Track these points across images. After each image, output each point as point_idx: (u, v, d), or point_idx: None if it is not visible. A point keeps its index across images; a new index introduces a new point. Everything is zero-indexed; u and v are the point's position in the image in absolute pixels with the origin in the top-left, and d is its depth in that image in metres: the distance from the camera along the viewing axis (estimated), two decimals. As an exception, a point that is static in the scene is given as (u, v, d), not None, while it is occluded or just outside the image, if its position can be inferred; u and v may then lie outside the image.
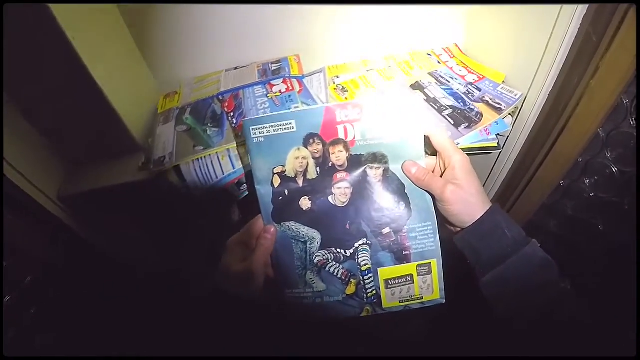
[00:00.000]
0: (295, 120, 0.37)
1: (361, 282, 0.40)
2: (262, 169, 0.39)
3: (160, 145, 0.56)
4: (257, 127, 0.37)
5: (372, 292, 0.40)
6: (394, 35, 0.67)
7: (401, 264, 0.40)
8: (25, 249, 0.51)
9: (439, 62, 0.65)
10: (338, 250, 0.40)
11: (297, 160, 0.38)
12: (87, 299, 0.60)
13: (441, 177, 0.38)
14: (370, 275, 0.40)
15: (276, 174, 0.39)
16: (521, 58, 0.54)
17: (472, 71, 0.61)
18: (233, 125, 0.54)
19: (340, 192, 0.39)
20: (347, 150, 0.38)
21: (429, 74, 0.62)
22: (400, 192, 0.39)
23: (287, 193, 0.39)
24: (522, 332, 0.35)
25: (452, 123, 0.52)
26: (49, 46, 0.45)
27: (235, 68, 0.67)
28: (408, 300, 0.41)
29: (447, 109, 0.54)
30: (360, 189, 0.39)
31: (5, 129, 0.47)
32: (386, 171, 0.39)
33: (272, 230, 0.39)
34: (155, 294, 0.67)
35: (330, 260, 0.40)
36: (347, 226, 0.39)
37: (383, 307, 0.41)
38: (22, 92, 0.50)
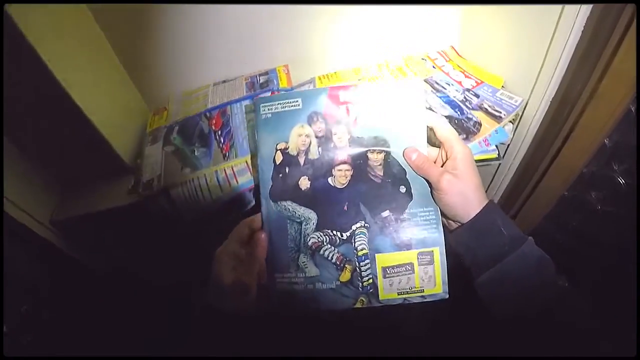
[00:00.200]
0: (301, 99, 0.39)
1: (357, 268, 0.38)
2: (266, 144, 0.39)
3: (148, 166, 0.55)
4: (267, 104, 0.39)
5: (368, 280, 0.38)
6: (388, 40, 0.64)
7: (401, 250, 0.38)
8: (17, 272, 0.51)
9: (434, 67, 0.62)
10: (334, 232, 0.38)
11: (300, 137, 0.39)
12: (81, 320, 0.60)
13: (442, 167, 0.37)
14: (367, 261, 0.38)
15: (279, 150, 0.39)
16: (521, 60, 0.51)
17: (470, 75, 0.58)
18: (220, 145, 0.53)
19: (340, 174, 0.39)
20: (349, 132, 0.38)
21: (424, 80, 0.59)
22: (401, 176, 0.38)
23: (287, 171, 0.39)
24: (521, 332, 0.34)
25: (449, 134, 0.50)
26: (25, 68, 0.43)
27: (224, 81, 0.65)
28: (407, 293, 0.38)
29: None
30: (361, 172, 0.38)
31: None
32: (387, 155, 0.38)
33: (262, 236, 0.38)
34: (149, 314, 0.66)
35: (325, 243, 0.39)
36: (345, 208, 0.38)
37: (380, 299, 0.38)
38: (5, 116, 0.48)
